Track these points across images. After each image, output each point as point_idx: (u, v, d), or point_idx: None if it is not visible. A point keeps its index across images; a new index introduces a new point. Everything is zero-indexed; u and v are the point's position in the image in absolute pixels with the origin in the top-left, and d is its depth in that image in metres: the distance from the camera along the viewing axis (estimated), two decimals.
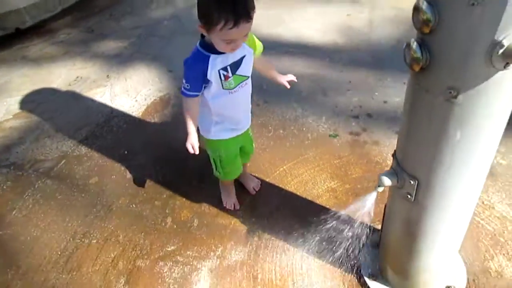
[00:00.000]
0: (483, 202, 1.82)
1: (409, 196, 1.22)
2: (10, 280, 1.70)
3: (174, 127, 2.33)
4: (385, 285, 1.56)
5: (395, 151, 1.27)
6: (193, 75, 1.43)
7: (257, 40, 1.56)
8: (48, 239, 1.85)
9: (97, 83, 2.77)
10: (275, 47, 2.90)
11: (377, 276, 1.59)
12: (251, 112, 1.70)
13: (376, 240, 1.67)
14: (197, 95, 1.48)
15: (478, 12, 0.83)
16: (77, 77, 2.83)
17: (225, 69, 1.43)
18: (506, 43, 0.84)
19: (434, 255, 1.36)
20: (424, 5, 0.90)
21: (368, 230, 1.63)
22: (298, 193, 1.94)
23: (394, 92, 2.42)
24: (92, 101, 2.62)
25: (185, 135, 1.52)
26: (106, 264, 1.73)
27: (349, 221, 1.76)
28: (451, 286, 1.53)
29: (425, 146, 1.10)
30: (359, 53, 2.79)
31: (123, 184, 2.06)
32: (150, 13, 3.55)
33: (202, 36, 1.41)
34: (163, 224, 1.87)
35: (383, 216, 1.49)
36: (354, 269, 1.63)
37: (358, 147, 2.13)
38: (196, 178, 2.06)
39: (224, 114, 1.58)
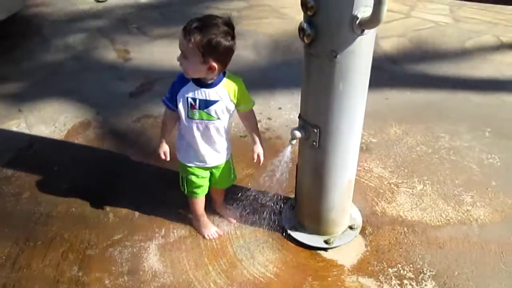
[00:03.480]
0: (364, 168, 2.36)
1: (314, 143, 1.66)
2: None
3: (100, 143, 2.54)
4: (303, 233, 1.96)
5: (299, 113, 1.72)
6: (171, 88, 1.65)
7: (246, 97, 1.69)
8: None
9: (9, 117, 2.83)
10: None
11: (297, 227, 1.98)
12: (224, 153, 1.80)
13: (293, 203, 2.08)
14: (170, 108, 1.67)
15: None
16: None
17: (194, 100, 1.61)
18: (359, 15, 1.36)
19: (338, 192, 1.80)
20: None
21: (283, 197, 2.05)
22: None
23: (285, 101, 2.96)
24: (9, 131, 2.69)
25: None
26: (57, 258, 1.85)
27: (269, 193, 2.18)
28: (353, 225, 1.99)
29: (320, 99, 1.56)
30: (253, 76, 3.31)
31: (59, 193, 2.19)
32: (51, 57, 3.70)
33: None
34: (106, 219, 2.05)
35: (296, 175, 1.92)
36: (278, 227, 2.00)
37: (265, 142, 2.52)
38: (131, 179, 2.29)
39: (189, 142, 1.72)
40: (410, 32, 3.98)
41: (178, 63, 1.58)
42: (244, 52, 3.70)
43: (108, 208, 2.11)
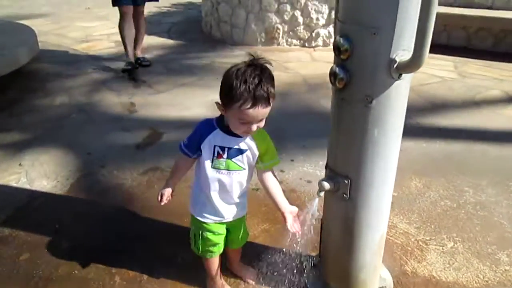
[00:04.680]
0: (388, 224, 2.21)
1: (344, 195, 1.53)
2: None
3: (104, 198, 2.39)
4: None
5: (327, 163, 1.61)
6: (193, 134, 1.54)
7: (273, 151, 1.58)
8: None
9: (9, 172, 2.69)
10: (185, 127, 3.21)
11: None
12: (243, 207, 1.68)
13: (317, 262, 1.91)
14: (187, 155, 1.56)
15: (378, 39, 1.26)
16: None
17: (222, 148, 1.50)
18: (397, 59, 1.28)
19: (369, 249, 1.65)
20: (341, 40, 1.32)
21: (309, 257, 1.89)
22: None
23: (297, 152, 2.86)
24: (8, 187, 2.54)
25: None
26: None
27: (291, 251, 2.01)
28: (383, 287, 1.81)
29: (352, 147, 1.45)
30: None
31: (60, 254, 2.01)
32: (55, 110, 3.63)
33: None
34: (112, 283, 1.86)
35: (321, 231, 1.77)
36: None
37: None
38: (139, 237, 2.11)
39: (207, 195, 1.58)
40: (418, 86, 3.98)
41: (240, 129, 1.44)
42: None
43: (114, 270, 1.92)
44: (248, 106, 1.36)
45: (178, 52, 5.23)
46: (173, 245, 2.05)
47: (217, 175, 1.54)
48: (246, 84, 1.34)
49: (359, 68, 1.33)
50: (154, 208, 2.31)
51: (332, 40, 5.36)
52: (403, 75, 1.33)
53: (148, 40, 5.57)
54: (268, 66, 1.43)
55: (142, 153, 2.88)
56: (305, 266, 1.90)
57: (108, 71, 4.49)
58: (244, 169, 1.56)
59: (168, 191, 1.65)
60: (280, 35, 5.28)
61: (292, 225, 1.56)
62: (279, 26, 5.21)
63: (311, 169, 2.72)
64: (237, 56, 5.04)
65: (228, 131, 1.50)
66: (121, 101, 3.72)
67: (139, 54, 4.68)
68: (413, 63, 1.24)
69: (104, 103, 3.69)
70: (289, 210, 1.57)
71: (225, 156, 1.52)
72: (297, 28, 5.23)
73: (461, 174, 2.63)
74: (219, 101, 1.46)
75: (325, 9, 5.11)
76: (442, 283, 1.86)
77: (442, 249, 2.06)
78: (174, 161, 1.66)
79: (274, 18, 5.18)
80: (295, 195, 2.44)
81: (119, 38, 4.57)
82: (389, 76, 1.31)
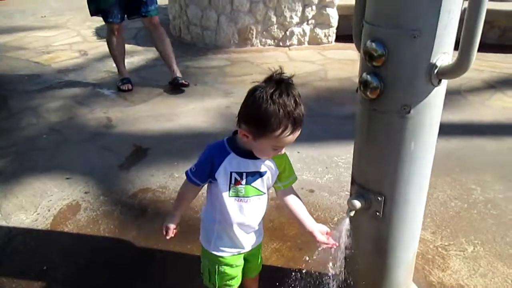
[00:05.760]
0: None
1: (377, 214, 1.39)
2: None
3: (94, 229, 2.16)
4: None
5: (352, 179, 1.47)
6: (203, 162, 1.36)
7: (291, 168, 1.45)
8: None
9: None
10: (171, 141, 3.02)
11: None
12: (260, 233, 1.53)
13: (339, 282, 1.77)
14: (196, 184, 1.38)
15: (418, 42, 1.13)
16: None
17: (239, 174, 1.33)
18: (438, 64, 1.16)
19: (403, 268, 1.53)
20: (374, 45, 1.18)
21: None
22: None
23: (292, 160, 2.70)
24: None
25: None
26: None
27: (306, 272, 1.87)
28: None
29: (386, 161, 1.32)
30: None
31: None
32: (23, 131, 3.31)
33: (235, 132, 1.36)
34: None
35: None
36: None
37: (283, 210, 2.25)
38: (138, 270, 1.91)
39: (224, 226, 1.41)
40: None
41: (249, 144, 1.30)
42: (236, 110, 3.44)
43: None
44: (289, 133, 1.21)
45: (149, 59, 4.96)
46: (179, 277, 1.87)
47: (236, 204, 1.37)
48: (286, 109, 1.18)
49: (396, 75, 1.19)
50: (151, 236, 2.11)
51: (307, 38, 5.28)
52: (442, 81, 1.21)
53: None
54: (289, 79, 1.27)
55: (128, 173, 2.65)
56: (328, 287, 1.76)
57: (77, 85, 4.18)
58: (264, 193, 1.41)
59: (173, 224, 1.47)
60: (254, 36, 5.12)
61: (327, 239, 1.43)
62: (253, 26, 5.05)
63: (311, 177, 2.58)
64: (211, 60, 4.85)
65: (246, 154, 1.34)
66: (95, 117, 3.45)
67: (177, 73, 3.96)
68: (459, 67, 1.12)
69: (77, 120, 3.41)
70: (318, 229, 1.44)
71: (243, 182, 1.35)
72: (271, 27, 5.09)
73: (465, 172, 2.56)
74: (242, 128, 1.27)
75: (298, 6, 4.99)
76: None
77: (464, 254, 1.97)
78: (180, 190, 1.47)
79: (247, 18, 5.01)
80: None
81: (83, 47, 4.27)
82: (428, 82, 1.19)
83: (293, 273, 1.83)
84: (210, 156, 1.35)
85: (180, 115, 3.41)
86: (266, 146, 1.27)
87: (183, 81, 3.88)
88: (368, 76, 1.22)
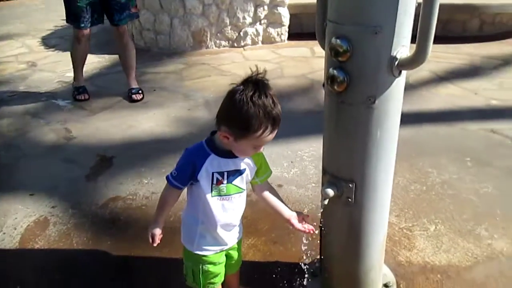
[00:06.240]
0: None
1: (349, 200, 1.47)
2: None
3: (66, 243, 2.12)
4: None
5: (324, 169, 1.55)
6: (184, 165, 1.39)
7: (266, 165, 1.51)
8: None
9: None
10: (135, 147, 3.00)
11: None
12: (241, 228, 1.59)
13: (315, 271, 1.85)
14: (178, 188, 1.41)
15: (380, 38, 1.22)
16: None
17: (221, 174, 1.38)
18: (398, 56, 1.25)
19: (376, 250, 1.62)
20: (338, 41, 1.26)
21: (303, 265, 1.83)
22: None
23: None
24: None
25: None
26: None
27: (286, 263, 1.94)
28: (388, 283, 1.80)
29: (355, 150, 1.40)
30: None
31: None
32: None
33: (212, 133, 1.40)
34: None
35: (320, 238, 1.70)
36: None
37: (255, 206, 2.32)
38: (119, 281, 1.90)
39: (206, 226, 1.46)
40: None
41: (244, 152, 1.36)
42: (198, 112, 3.50)
43: None
44: (269, 132, 1.27)
45: (103, 66, 4.88)
46: (159, 280, 1.88)
47: (219, 203, 1.41)
48: (265, 109, 1.24)
49: (360, 69, 1.28)
50: (126, 243, 2.10)
51: (260, 38, 5.37)
52: (402, 72, 1.31)
53: (65, 57, 5.11)
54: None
55: (96, 184, 2.61)
56: (306, 276, 1.83)
57: (29, 97, 4.03)
58: (244, 190, 1.46)
59: (158, 230, 1.48)
60: (208, 38, 5.14)
61: (302, 226, 1.53)
62: (206, 29, 5.08)
63: (278, 172, 2.65)
64: (167, 64, 4.83)
65: (225, 154, 1.38)
66: (53, 129, 3.36)
67: (133, 84, 3.91)
68: (418, 59, 1.21)
69: (35, 134, 3.29)
70: (295, 216, 1.54)
71: (225, 181, 1.40)
72: (225, 28, 5.13)
73: (421, 156, 2.73)
74: (223, 130, 1.31)
75: (250, 7, 5.06)
76: (438, 268, 1.90)
77: (427, 233, 2.11)
78: (161, 195, 1.48)
79: (200, 21, 5.03)
80: None
81: (30, 58, 4.12)
82: (390, 74, 1.28)
83: (270, 267, 1.90)
84: (190, 159, 1.38)
85: (142, 121, 3.39)
86: (247, 146, 1.32)
87: (135, 96, 3.80)
88: (335, 71, 1.30)
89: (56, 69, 4.75)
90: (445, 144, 2.88)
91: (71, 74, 4.49)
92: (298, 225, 1.52)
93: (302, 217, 1.55)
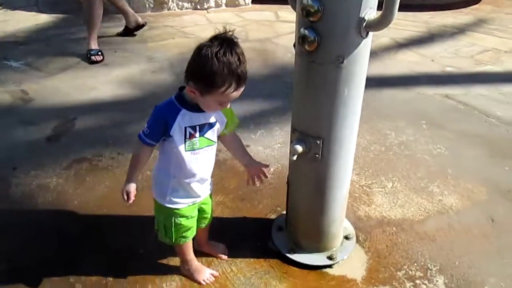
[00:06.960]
0: None
1: (316, 156, 1.55)
2: None
3: (30, 203, 2.10)
4: (303, 253, 1.83)
5: (293, 127, 1.61)
6: (155, 122, 1.40)
7: (232, 115, 1.54)
8: None
9: None
10: (98, 109, 2.95)
11: (294, 249, 1.84)
12: (211, 181, 1.64)
13: (282, 224, 1.94)
14: (151, 145, 1.43)
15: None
16: None
17: (193, 128, 1.41)
18: (366, 17, 1.30)
19: (339, 204, 1.72)
20: (309, 1, 1.29)
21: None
22: None
23: None
24: None
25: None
26: None
27: (252, 218, 2.02)
28: (348, 235, 1.93)
29: (323, 107, 1.47)
30: None
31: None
32: None
33: (180, 89, 1.42)
34: None
35: (287, 192, 1.79)
36: (274, 253, 1.85)
37: (223, 164, 2.37)
38: (89, 237, 1.92)
39: (179, 180, 1.49)
40: None
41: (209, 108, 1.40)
42: (163, 75, 3.45)
43: (72, 279, 1.72)
44: (233, 89, 1.31)
45: (56, 27, 4.62)
46: (127, 238, 1.91)
47: (193, 157, 1.45)
48: (230, 67, 1.27)
49: (330, 29, 1.32)
50: (93, 203, 2.11)
51: (224, 0, 5.27)
52: (369, 33, 1.36)
53: (15, 15, 4.85)
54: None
55: (58, 145, 2.56)
56: (272, 229, 1.93)
57: None
58: (215, 142, 1.52)
59: (133, 187, 1.50)
60: None
61: (254, 176, 1.66)
62: None
63: (245, 133, 2.68)
64: None
65: (195, 108, 1.41)
66: (8, 90, 3.21)
67: (93, 45, 3.76)
68: (384, 20, 1.27)
69: None
70: (252, 165, 1.67)
71: (197, 135, 1.44)
72: None
73: (381, 119, 2.85)
74: (190, 85, 1.34)
75: None
76: (393, 221, 2.04)
77: (384, 190, 2.25)
78: (134, 154, 1.50)
79: None
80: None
81: None
82: (358, 35, 1.33)
83: (238, 222, 1.97)
84: (162, 115, 1.40)
85: (105, 83, 3.30)
86: (213, 102, 1.36)
87: (94, 57, 3.67)
88: (306, 31, 1.34)
89: (5, 29, 4.48)
90: (403, 107, 3.02)
91: (23, 34, 4.27)
92: (251, 173, 1.66)
93: (260, 167, 1.65)
